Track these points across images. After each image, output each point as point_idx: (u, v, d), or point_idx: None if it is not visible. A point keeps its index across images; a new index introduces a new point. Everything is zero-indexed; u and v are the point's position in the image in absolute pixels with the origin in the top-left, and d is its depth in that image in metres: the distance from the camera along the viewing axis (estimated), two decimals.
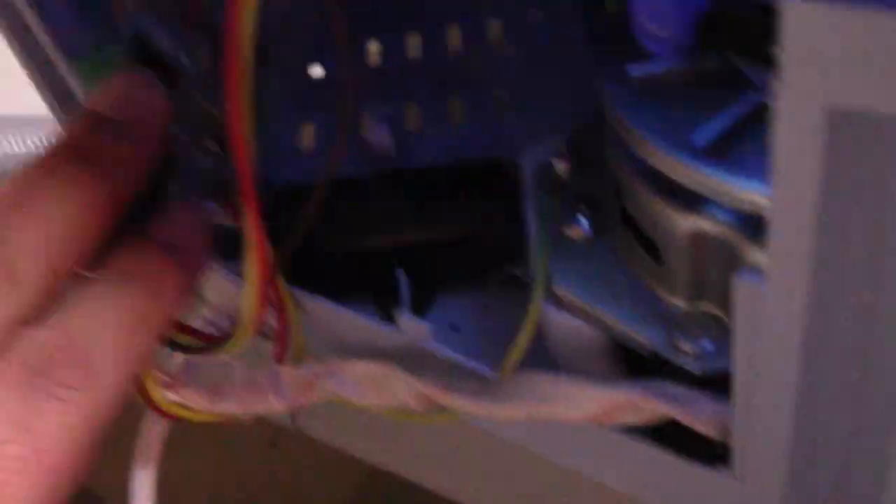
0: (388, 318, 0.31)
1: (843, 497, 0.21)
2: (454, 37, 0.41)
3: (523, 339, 0.25)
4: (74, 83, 0.28)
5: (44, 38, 0.27)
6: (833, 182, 0.15)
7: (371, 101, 0.38)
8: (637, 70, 0.22)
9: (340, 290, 0.31)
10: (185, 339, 0.27)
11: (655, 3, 0.14)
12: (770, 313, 0.18)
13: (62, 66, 0.28)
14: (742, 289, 0.18)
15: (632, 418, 0.23)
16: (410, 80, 0.39)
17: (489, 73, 0.39)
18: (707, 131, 0.21)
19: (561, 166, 0.27)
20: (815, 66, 0.14)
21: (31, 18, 0.27)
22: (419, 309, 0.32)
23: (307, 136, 0.36)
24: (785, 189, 0.15)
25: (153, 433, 0.31)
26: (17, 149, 0.44)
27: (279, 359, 0.31)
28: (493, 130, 0.36)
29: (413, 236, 0.32)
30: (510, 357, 0.25)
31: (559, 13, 0.39)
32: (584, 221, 0.26)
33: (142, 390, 0.26)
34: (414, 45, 0.41)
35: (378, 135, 0.34)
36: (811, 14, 0.13)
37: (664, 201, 0.22)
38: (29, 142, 0.44)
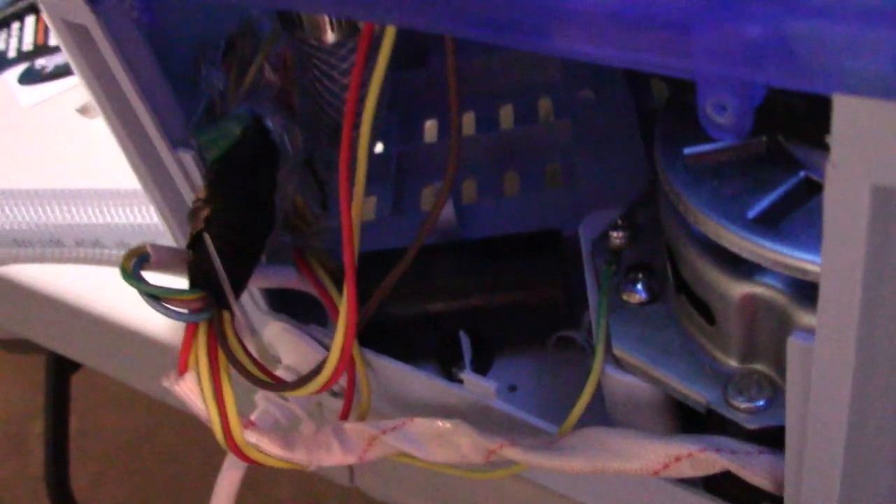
0: (449, 377, 0.33)
1: None
2: (507, 114, 0.44)
3: (585, 398, 0.27)
4: (172, 168, 0.31)
5: (148, 122, 0.30)
6: (878, 252, 0.17)
7: (431, 176, 0.41)
8: (692, 151, 0.25)
9: (403, 350, 0.33)
10: (263, 377, 0.29)
11: (720, 96, 0.16)
12: (821, 371, 0.19)
13: (164, 150, 0.30)
14: (795, 348, 0.20)
15: (690, 471, 0.24)
16: (467, 156, 0.42)
17: (542, 148, 0.42)
18: (758, 205, 0.23)
19: (617, 237, 0.29)
20: (862, 149, 0.16)
21: (138, 106, 0.30)
22: (479, 369, 0.34)
23: (368, 208, 0.39)
24: (835, 259, 0.17)
25: (231, 475, 0.32)
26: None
27: (344, 414, 0.33)
28: (545, 203, 0.38)
29: (474, 302, 0.34)
30: (572, 414, 0.27)
31: (609, 94, 0.41)
32: (640, 288, 0.28)
33: (226, 429, 0.28)
34: (468, 122, 0.44)
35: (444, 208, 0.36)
36: (858, 105, 0.15)
37: (718, 269, 0.24)
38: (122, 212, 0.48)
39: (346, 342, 0.26)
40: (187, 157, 0.31)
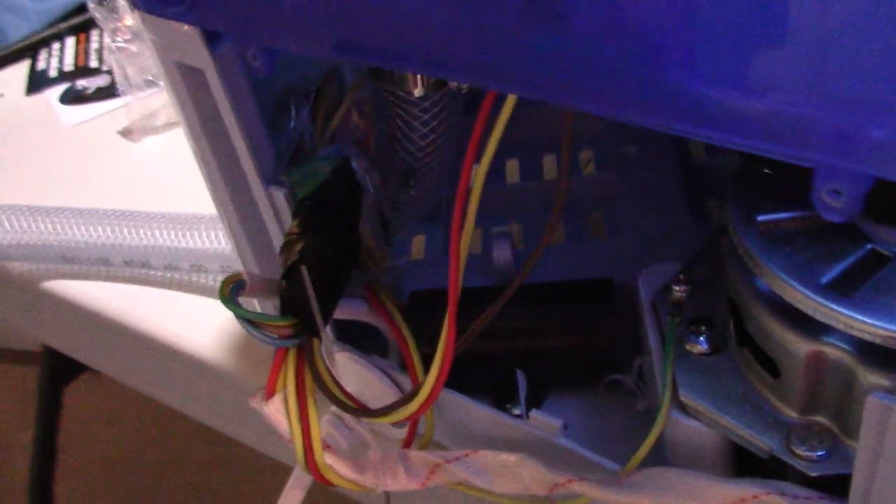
0: (503, 411, 0.35)
1: None
2: (550, 164, 0.46)
3: (651, 439, 0.29)
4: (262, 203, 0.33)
5: (247, 161, 0.32)
6: None
7: (487, 222, 0.43)
8: (765, 218, 0.27)
9: (458, 385, 0.35)
10: (348, 402, 0.31)
11: (836, 183, 0.19)
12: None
13: (257, 187, 0.32)
14: (874, 406, 0.22)
15: None
16: (513, 202, 0.44)
17: (585, 199, 0.44)
18: (831, 272, 0.25)
19: (679, 290, 0.32)
20: None
21: (239, 146, 0.32)
22: (531, 407, 0.36)
23: (418, 247, 0.41)
24: None
25: (295, 494, 0.34)
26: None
27: (407, 443, 0.34)
28: (591, 252, 0.41)
29: (531, 343, 0.36)
30: (638, 454, 0.29)
31: (652, 149, 0.44)
32: (702, 339, 0.30)
33: (308, 449, 0.30)
34: (513, 169, 0.46)
35: (499, 251, 0.39)
36: None
37: (788, 327, 0.26)
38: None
39: (440, 374, 0.28)
40: (279, 195, 0.33)
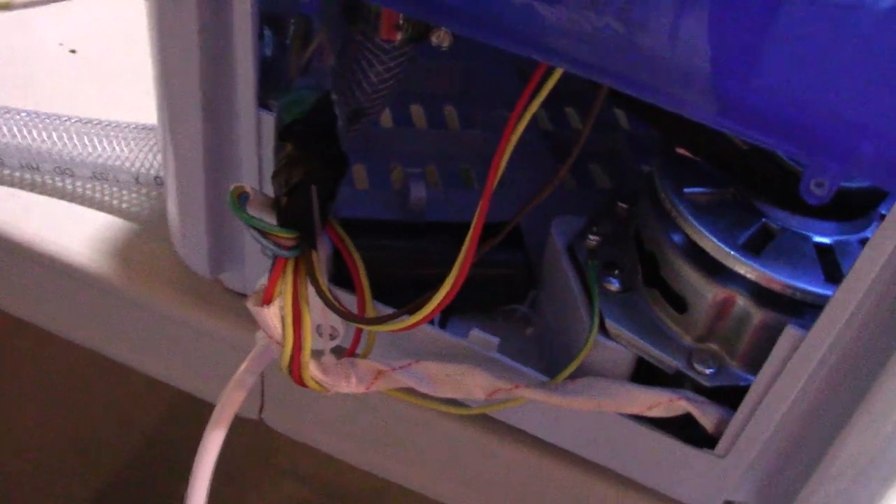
0: None
1: (788, 467, 0.34)
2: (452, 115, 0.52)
3: (582, 355, 0.36)
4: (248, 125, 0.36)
5: (248, 82, 0.34)
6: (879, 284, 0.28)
7: (400, 159, 0.48)
8: (690, 190, 0.35)
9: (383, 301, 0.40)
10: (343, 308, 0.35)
11: (821, 177, 0.27)
12: (801, 353, 0.31)
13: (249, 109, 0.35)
14: (789, 334, 0.31)
15: (664, 413, 0.35)
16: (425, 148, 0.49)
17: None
18: (743, 235, 0.34)
19: (594, 240, 0.39)
20: None
21: (244, 65, 0.34)
22: (441, 326, 0.42)
23: (360, 178, 0.45)
24: (844, 295, 0.29)
25: (237, 395, 0.37)
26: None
27: (350, 352, 0.39)
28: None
29: (443, 271, 0.42)
30: (569, 368, 0.36)
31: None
32: (615, 280, 0.38)
33: (297, 351, 0.34)
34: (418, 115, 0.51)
35: (415, 189, 0.44)
36: None
37: (703, 275, 0.35)
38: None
39: (453, 287, 0.33)
40: (269, 118, 0.35)
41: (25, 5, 0.64)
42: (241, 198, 0.33)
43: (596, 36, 0.28)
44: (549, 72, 0.30)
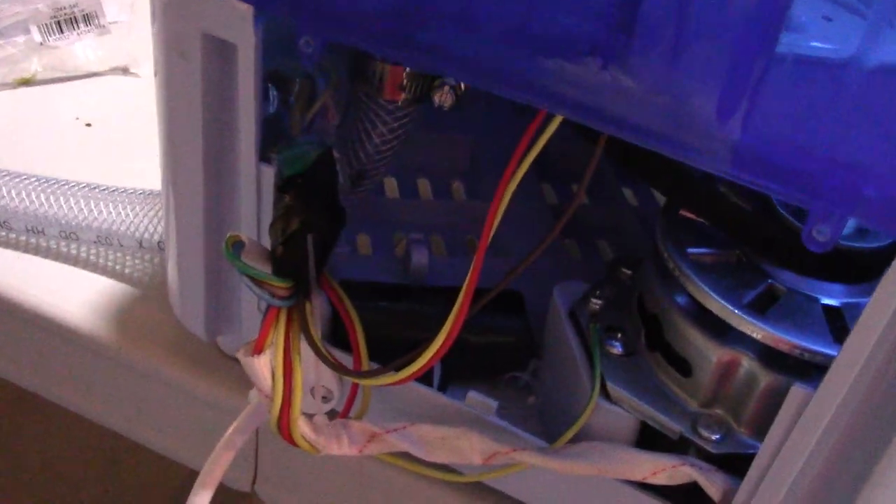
0: None
1: None
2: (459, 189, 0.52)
3: (583, 419, 0.35)
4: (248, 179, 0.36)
5: (250, 138, 0.34)
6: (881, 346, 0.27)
7: (405, 229, 0.47)
8: (694, 251, 0.35)
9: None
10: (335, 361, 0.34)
11: (823, 226, 0.26)
12: (808, 414, 0.29)
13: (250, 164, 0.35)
14: (795, 395, 0.30)
15: (667, 480, 0.33)
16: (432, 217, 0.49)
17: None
18: (748, 295, 0.33)
19: (596, 303, 0.38)
20: None
21: (246, 122, 0.34)
22: (442, 389, 0.41)
23: (363, 244, 0.45)
24: (852, 349, 0.27)
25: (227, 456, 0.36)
26: None
27: (344, 413, 0.38)
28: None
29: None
30: (569, 432, 0.35)
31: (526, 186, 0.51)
32: (618, 344, 0.37)
33: (286, 404, 0.33)
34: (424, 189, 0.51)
35: (417, 255, 0.44)
36: None
37: (707, 336, 0.34)
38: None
39: (446, 340, 0.32)
40: (269, 172, 0.35)
41: (46, 81, 0.66)
42: (236, 246, 0.33)
43: (595, 83, 0.28)
44: (545, 123, 0.30)
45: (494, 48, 0.29)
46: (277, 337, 0.33)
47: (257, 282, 0.32)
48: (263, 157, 0.36)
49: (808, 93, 0.26)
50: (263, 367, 0.33)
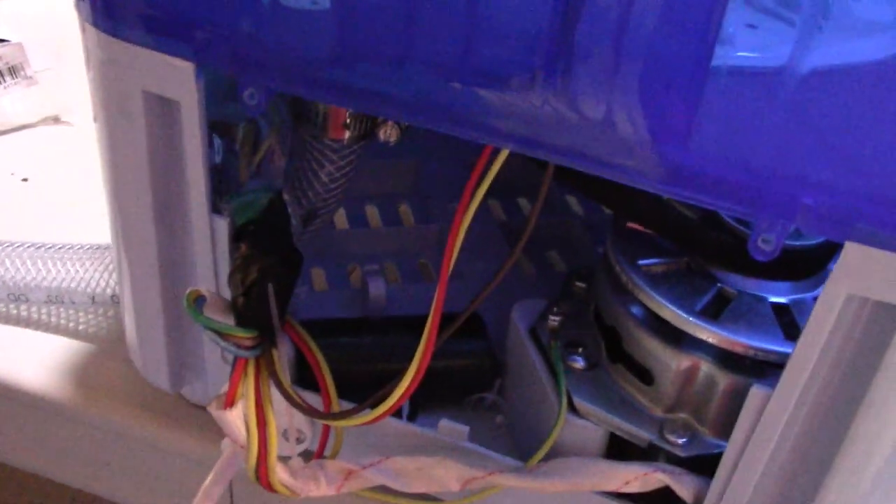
0: None
1: None
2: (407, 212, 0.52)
3: (553, 436, 0.36)
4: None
5: (200, 191, 0.34)
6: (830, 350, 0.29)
7: (358, 259, 0.48)
8: (645, 262, 0.36)
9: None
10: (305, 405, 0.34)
11: (768, 234, 0.27)
12: (770, 411, 0.31)
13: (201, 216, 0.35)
14: (755, 395, 0.31)
15: (641, 487, 0.34)
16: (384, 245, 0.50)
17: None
18: (699, 302, 0.34)
19: (555, 321, 0.39)
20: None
21: (195, 176, 0.34)
22: (411, 418, 0.41)
23: (319, 280, 0.45)
24: (804, 351, 0.29)
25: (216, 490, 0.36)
26: None
27: (318, 453, 0.38)
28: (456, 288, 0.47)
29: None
30: (541, 450, 0.36)
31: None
32: (579, 359, 0.38)
33: (262, 454, 0.33)
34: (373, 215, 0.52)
35: (374, 286, 0.44)
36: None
37: (665, 345, 0.35)
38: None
39: (414, 379, 0.33)
40: (222, 223, 0.36)
41: None
42: (198, 301, 0.33)
43: (536, 114, 0.29)
44: (494, 155, 0.30)
45: (434, 87, 0.30)
46: (248, 388, 0.33)
47: (222, 335, 0.32)
48: (215, 208, 0.36)
49: (744, 105, 0.27)
50: (236, 419, 0.33)
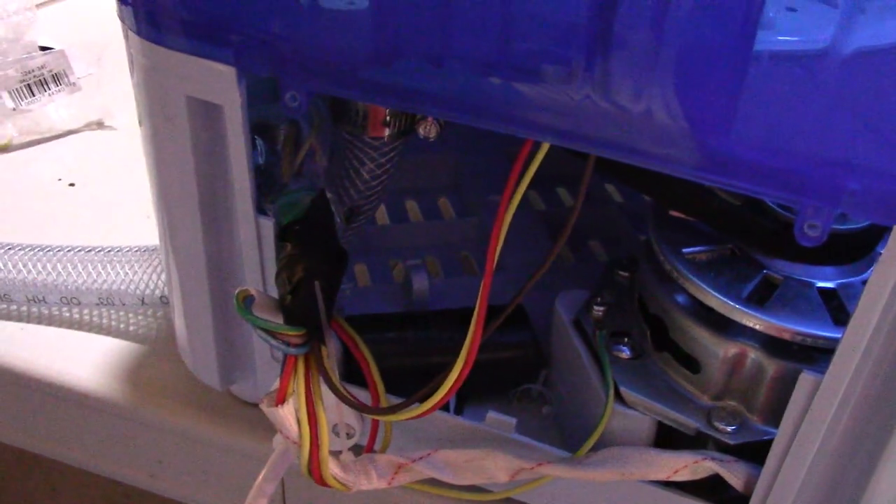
0: None
1: None
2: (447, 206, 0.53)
3: (601, 426, 0.36)
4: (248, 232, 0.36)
5: (245, 193, 0.35)
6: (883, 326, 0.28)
7: (400, 253, 0.48)
8: (689, 250, 0.36)
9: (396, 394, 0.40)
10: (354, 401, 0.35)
11: (814, 220, 0.27)
12: (820, 398, 0.30)
13: (248, 217, 0.36)
14: (805, 381, 0.31)
15: (690, 475, 0.34)
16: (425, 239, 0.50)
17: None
18: (745, 289, 0.34)
19: (599, 311, 0.39)
20: None
21: (241, 178, 0.35)
22: (458, 411, 0.41)
23: (362, 276, 0.45)
24: (854, 336, 0.28)
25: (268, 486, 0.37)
26: None
27: (368, 448, 0.39)
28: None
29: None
30: (590, 440, 0.36)
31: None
32: (625, 348, 0.38)
33: (315, 449, 0.33)
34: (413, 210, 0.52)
35: (418, 280, 0.44)
36: None
37: (712, 332, 0.35)
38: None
39: (461, 374, 0.33)
40: (267, 223, 0.36)
41: (23, 146, 0.66)
42: (247, 301, 0.33)
43: (576, 107, 0.29)
44: (535, 148, 0.31)
45: (473, 83, 0.30)
46: (298, 385, 0.33)
47: (272, 333, 0.33)
48: (260, 208, 0.36)
49: (787, 90, 0.26)
50: (288, 415, 0.34)
